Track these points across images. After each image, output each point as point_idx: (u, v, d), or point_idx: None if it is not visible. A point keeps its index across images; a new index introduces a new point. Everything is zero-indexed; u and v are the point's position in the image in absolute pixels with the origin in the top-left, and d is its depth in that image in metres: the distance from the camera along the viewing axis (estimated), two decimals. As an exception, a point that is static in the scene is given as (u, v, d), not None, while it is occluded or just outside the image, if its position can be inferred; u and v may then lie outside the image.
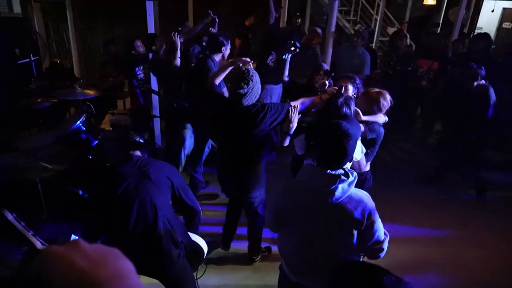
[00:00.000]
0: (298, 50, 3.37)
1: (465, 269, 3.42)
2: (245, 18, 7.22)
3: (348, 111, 2.49)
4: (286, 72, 3.69)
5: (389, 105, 2.86)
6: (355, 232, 1.82)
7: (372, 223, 1.79)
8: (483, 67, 4.18)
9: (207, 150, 4.33)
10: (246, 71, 2.63)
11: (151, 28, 4.76)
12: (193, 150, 4.28)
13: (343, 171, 1.77)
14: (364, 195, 1.82)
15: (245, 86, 2.57)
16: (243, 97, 2.61)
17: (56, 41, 8.01)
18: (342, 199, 1.74)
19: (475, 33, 9.44)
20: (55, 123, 4.26)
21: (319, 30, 5.92)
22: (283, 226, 2.00)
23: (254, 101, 2.67)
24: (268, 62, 4.65)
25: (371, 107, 2.81)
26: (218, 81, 3.16)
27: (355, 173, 1.78)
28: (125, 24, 8.14)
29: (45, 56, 6.63)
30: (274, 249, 3.45)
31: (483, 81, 4.17)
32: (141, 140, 2.40)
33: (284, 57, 3.41)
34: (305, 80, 3.88)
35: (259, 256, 3.41)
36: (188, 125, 4.25)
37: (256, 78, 2.64)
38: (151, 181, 2.16)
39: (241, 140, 2.76)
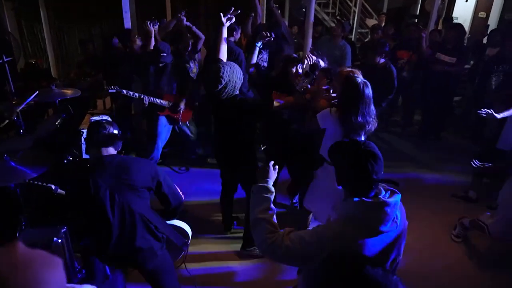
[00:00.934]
0: (271, 39, 3.35)
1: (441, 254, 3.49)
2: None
3: (367, 90, 2.57)
4: (254, 60, 3.65)
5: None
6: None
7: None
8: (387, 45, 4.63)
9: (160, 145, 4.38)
10: (217, 70, 2.72)
11: (128, 26, 4.68)
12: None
13: (384, 191, 1.59)
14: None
15: (219, 85, 2.72)
16: (220, 94, 2.78)
17: (31, 41, 7.77)
18: (400, 218, 1.60)
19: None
20: (32, 125, 4.14)
21: (285, 22, 6.07)
22: None
23: (232, 93, 2.80)
24: (257, 61, 4.59)
25: None
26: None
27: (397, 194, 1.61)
28: (102, 22, 7.95)
29: (20, 56, 6.42)
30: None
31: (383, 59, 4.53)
32: (115, 131, 2.22)
33: (256, 43, 3.34)
34: (277, 72, 3.80)
35: (251, 248, 3.32)
36: (162, 118, 4.29)
37: (228, 75, 2.72)
38: (129, 189, 2.12)
39: (226, 127, 3.01)
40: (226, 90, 2.75)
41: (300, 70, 3.41)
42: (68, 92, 3.79)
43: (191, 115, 4.61)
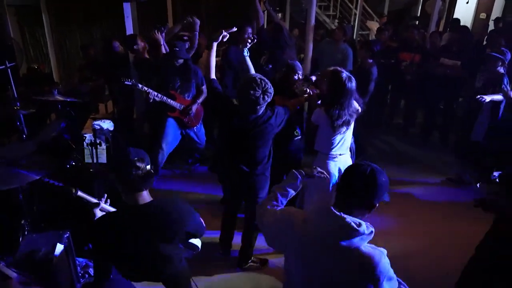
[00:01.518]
0: (255, 41, 3.34)
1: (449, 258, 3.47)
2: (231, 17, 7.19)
3: (350, 84, 2.87)
4: (252, 69, 3.43)
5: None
6: None
7: None
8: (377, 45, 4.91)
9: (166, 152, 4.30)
10: (263, 83, 2.57)
11: (129, 30, 4.70)
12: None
13: (358, 221, 1.55)
14: (377, 253, 1.55)
15: (266, 97, 2.58)
16: (259, 106, 2.62)
17: (33, 45, 7.80)
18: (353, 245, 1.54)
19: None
20: (35, 130, 4.15)
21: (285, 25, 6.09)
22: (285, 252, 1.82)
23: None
24: (261, 62, 4.57)
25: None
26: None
27: (371, 229, 1.56)
28: (103, 25, 7.98)
29: (22, 62, 6.44)
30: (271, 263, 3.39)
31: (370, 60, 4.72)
32: (148, 167, 1.91)
33: (244, 53, 3.25)
34: (278, 77, 3.81)
35: (248, 264, 3.32)
36: (171, 121, 4.24)
37: (272, 88, 2.62)
38: (162, 240, 2.00)
39: (252, 144, 2.79)
40: (264, 104, 2.64)
41: (301, 77, 3.51)
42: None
43: (201, 120, 4.53)
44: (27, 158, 3.06)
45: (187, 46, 4.33)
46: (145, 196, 1.96)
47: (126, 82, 3.84)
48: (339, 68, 3.00)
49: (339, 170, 3.08)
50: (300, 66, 3.55)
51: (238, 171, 2.88)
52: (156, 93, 3.97)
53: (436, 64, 5.39)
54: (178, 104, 4.19)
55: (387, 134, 6.30)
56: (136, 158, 1.88)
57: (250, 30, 4.11)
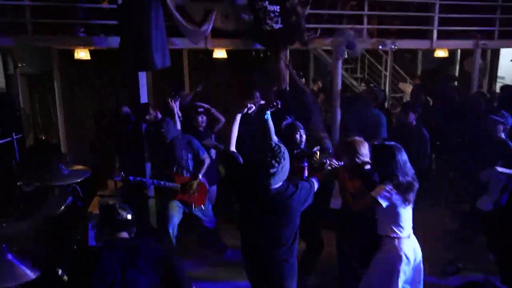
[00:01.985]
0: (279, 107, 3.36)
1: None
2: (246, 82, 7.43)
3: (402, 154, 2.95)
4: (273, 135, 3.41)
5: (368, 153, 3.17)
6: None
7: None
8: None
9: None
10: (276, 147, 2.59)
11: (144, 99, 4.87)
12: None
13: None
14: None
15: (276, 164, 2.54)
16: (272, 177, 2.57)
17: (42, 114, 8.10)
18: None
19: (496, 83, 9.60)
20: (36, 207, 4.15)
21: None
22: None
23: (282, 181, 2.65)
24: (282, 127, 4.62)
25: (352, 158, 3.17)
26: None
27: None
28: (117, 94, 8.31)
29: (29, 132, 6.67)
30: None
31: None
32: (129, 217, 2.46)
33: (265, 116, 3.25)
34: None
35: None
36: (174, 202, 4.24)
37: (287, 155, 2.62)
38: (139, 272, 2.26)
39: (274, 222, 2.72)
40: (279, 174, 2.59)
41: (304, 137, 3.76)
42: (77, 169, 3.84)
43: (205, 199, 4.47)
44: (23, 242, 3.03)
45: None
46: (124, 235, 2.43)
47: (116, 178, 3.99)
48: (386, 142, 3.15)
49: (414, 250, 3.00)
50: (301, 124, 3.80)
51: (257, 253, 2.79)
52: (151, 181, 4.11)
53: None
54: (176, 185, 4.19)
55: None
56: (118, 206, 2.47)
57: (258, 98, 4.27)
